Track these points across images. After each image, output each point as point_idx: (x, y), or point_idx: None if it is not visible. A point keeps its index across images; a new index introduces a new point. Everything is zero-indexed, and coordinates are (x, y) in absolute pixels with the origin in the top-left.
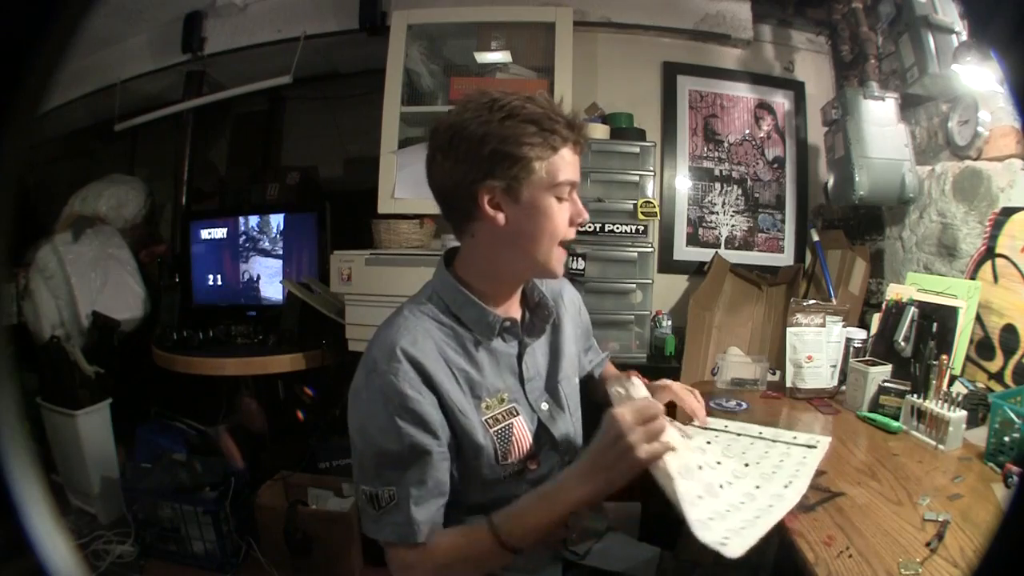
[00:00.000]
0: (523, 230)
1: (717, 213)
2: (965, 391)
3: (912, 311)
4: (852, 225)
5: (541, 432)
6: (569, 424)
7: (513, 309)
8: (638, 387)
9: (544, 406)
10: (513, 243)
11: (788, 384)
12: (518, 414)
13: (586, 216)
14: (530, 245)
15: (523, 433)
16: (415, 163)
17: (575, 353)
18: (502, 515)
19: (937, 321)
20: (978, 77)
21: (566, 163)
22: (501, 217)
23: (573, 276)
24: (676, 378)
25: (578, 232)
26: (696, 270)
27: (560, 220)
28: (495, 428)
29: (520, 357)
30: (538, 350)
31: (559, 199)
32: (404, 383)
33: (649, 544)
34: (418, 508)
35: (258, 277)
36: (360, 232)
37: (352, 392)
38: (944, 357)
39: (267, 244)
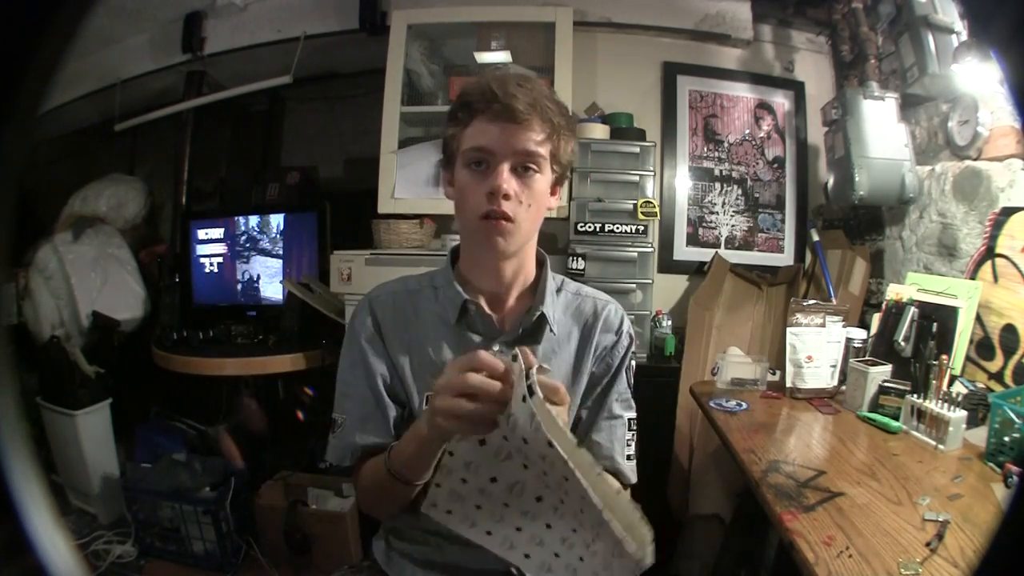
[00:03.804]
0: (456, 206)
1: (717, 213)
2: (965, 391)
3: (912, 311)
4: (852, 225)
5: None
6: None
7: (505, 304)
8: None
9: None
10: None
11: (788, 384)
12: None
13: (499, 185)
14: (459, 220)
15: None
16: (415, 163)
17: (568, 382)
18: (396, 444)
19: (937, 321)
20: (978, 77)
21: (476, 132)
22: (451, 192)
23: (573, 276)
24: (677, 378)
25: (577, 232)
26: (696, 270)
27: (472, 191)
28: None
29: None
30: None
31: (473, 168)
32: (361, 333)
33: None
34: (360, 435)
35: (258, 277)
36: (360, 232)
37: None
38: (944, 357)
39: (267, 244)
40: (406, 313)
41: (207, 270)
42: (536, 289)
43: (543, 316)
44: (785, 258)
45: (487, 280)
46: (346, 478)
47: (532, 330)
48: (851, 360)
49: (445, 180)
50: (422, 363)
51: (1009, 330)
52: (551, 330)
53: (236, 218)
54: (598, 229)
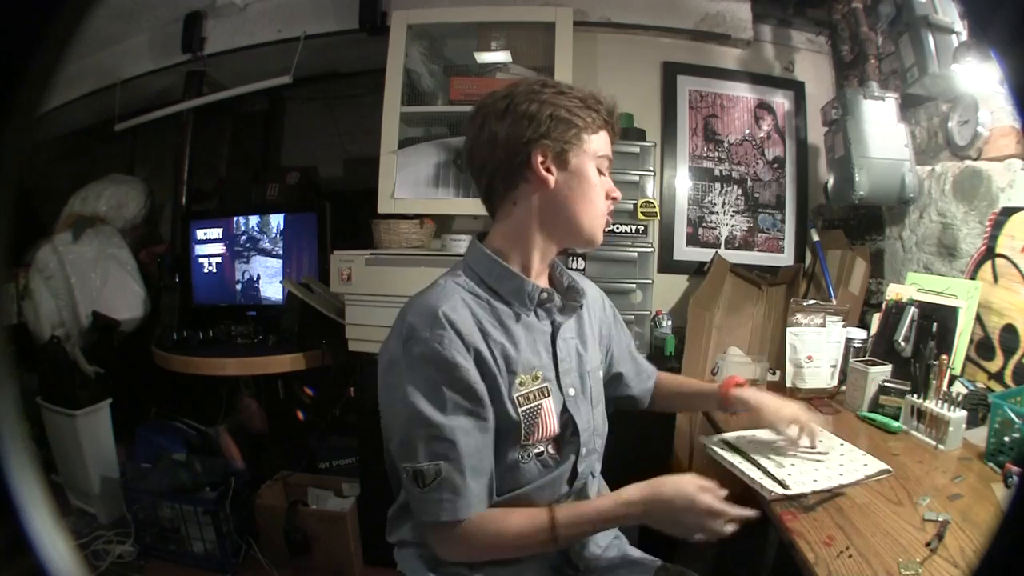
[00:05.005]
0: (570, 195)
1: (717, 213)
2: (965, 391)
3: (912, 311)
4: (852, 225)
5: (566, 418)
6: (591, 415)
7: (544, 285)
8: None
9: (572, 391)
10: (558, 206)
11: (788, 384)
12: (548, 395)
13: (619, 194)
14: (575, 209)
15: (550, 415)
16: (415, 163)
17: (597, 352)
18: (565, 512)
19: (937, 321)
20: (978, 77)
21: (604, 142)
22: (551, 179)
23: None
24: None
25: None
26: (696, 270)
27: (600, 191)
28: (524, 407)
29: (554, 335)
30: (568, 333)
31: (600, 171)
32: (453, 350)
33: (647, 553)
34: (474, 481)
35: (258, 277)
36: (360, 232)
37: (385, 365)
38: (944, 357)
39: (267, 244)
40: (478, 320)
41: (207, 270)
42: (550, 274)
43: (584, 292)
44: (785, 258)
45: (544, 265)
46: (346, 478)
47: (576, 303)
48: (851, 360)
49: (542, 164)
50: (508, 363)
51: (1009, 330)
52: (582, 305)
53: (236, 218)
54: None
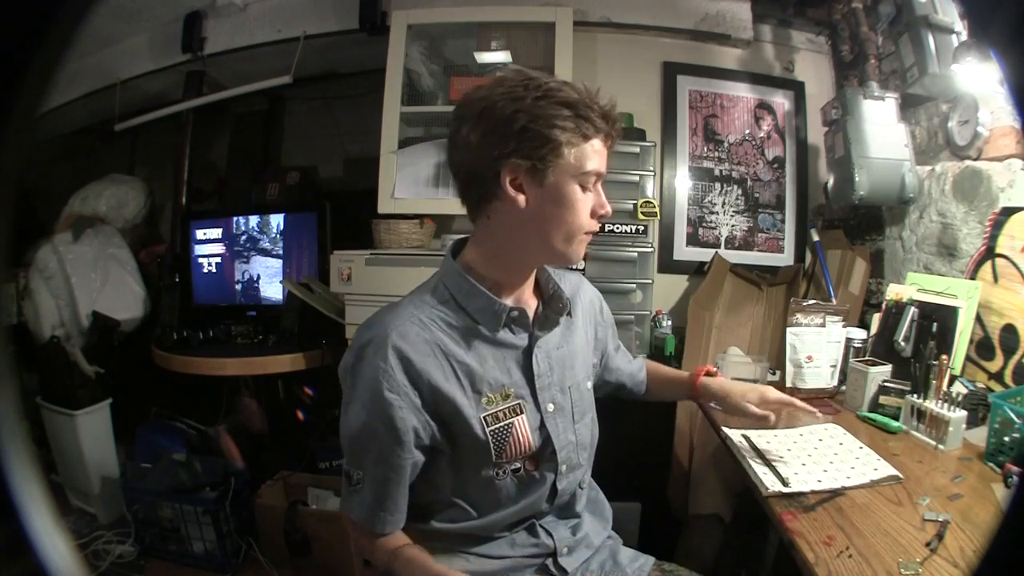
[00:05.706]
0: (543, 215)
1: (717, 213)
2: (965, 391)
3: (912, 311)
4: (852, 225)
5: (545, 434)
6: (571, 430)
7: (525, 298)
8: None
9: (551, 407)
10: (531, 228)
11: (788, 384)
12: (521, 412)
13: (609, 209)
14: (548, 231)
15: (524, 433)
16: (415, 163)
17: (588, 359)
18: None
19: (937, 321)
20: (978, 77)
21: (595, 153)
22: (522, 199)
23: None
24: None
25: None
26: (696, 270)
27: (582, 210)
28: (493, 427)
29: (530, 351)
30: (551, 345)
31: (584, 188)
32: (384, 382)
33: (645, 551)
34: (379, 507)
35: (258, 277)
36: (360, 232)
37: (341, 368)
38: (944, 357)
39: (267, 244)
40: (440, 340)
41: (207, 270)
42: (538, 280)
43: (568, 303)
44: (785, 258)
45: (521, 279)
46: None
47: (559, 315)
48: (851, 360)
49: (512, 182)
50: (472, 383)
51: (1009, 330)
52: (569, 313)
53: (236, 218)
54: (598, 229)
